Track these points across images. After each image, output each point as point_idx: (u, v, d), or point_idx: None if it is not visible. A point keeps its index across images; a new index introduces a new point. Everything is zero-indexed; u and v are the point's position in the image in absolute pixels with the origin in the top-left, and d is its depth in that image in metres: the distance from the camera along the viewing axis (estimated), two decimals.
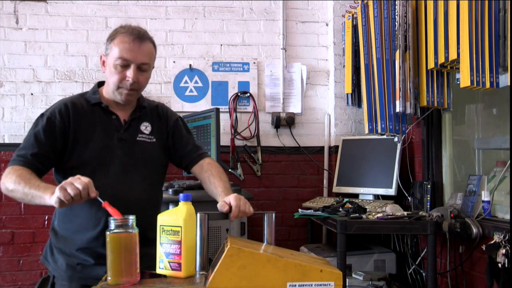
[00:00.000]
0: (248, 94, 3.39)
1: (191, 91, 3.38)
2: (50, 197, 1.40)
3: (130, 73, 1.65)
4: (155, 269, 1.33)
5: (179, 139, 1.85)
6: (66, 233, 1.70)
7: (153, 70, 1.81)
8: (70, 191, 1.35)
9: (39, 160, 1.62)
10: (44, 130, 1.64)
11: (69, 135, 1.65)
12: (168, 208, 2.37)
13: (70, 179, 1.39)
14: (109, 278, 1.25)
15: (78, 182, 1.37)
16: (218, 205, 1.54)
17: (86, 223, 1.65)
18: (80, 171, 1.51)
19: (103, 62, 1.73)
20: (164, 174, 1.89)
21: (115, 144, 1.70)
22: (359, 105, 3.12)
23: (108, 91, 1.74)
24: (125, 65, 1.64)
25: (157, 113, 1.84)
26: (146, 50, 1.68)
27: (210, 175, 1.73)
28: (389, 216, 2.35)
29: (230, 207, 1.50)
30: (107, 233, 1.26)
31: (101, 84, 1.80)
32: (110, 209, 1.37)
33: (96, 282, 1.60)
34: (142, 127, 1.78)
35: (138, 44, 1.65)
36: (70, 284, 1.67)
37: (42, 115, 1.68)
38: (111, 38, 1.68)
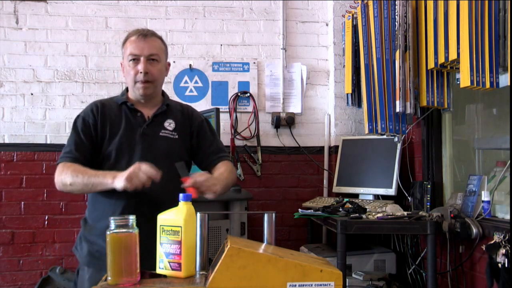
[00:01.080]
0: (248, 94, 3.39)
1: (191, 91, 3.38)
2: (113, 181, 1.63)
3: (140, 65, 1.81)
4: (155, 269, 1.33)
5: (203, 140, 1.94)
6: (91, 221, 1.86)
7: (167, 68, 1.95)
8: (136, 181, 1.59)
9: (84, 155, 1.80)
10: (82, 129, 1.83)
11: (98, 130, 1.83)
12: None
13: (133, 169, 1.60)
14: (109, 278, 1.25)
15: (141, 173, 1.59)
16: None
17: (106, 211, 1.76)
18: (105, 162, 1.81)
19: (123, 68, 1.90)
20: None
21: (137, 138, 1.83)
22: (359, 105, 3.12)
23: (130, 92, 1.91)
24: (135, 60, 1.82)
25: (182, 112, 1.96)
26: (152, 43, 1.84)
27: (216, 169, 1.84)
28: (389, 216, 2.35)
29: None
30: (107, 233, 1.26)
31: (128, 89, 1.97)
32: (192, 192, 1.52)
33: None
34: (166, 124, 1.89)
35: (143, 39, 1.83)
36: (89, 269, 1.79)
37: (78, 116, 1.88)
38: (123, 43, 1.89)
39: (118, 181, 1.61)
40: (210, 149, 1.93)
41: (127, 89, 1.95)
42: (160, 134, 1.86)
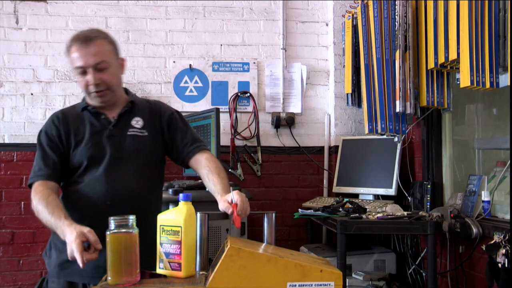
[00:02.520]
0: (248, 94, 3.39)
1: (191, 91, 3.38)
2: (63, 236, 1.47)
3: (89, 77, 1.68)
4: (155, 269, 1.33)
5: (175, 133, 1.83)
6: None
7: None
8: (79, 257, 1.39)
9: (54, 168, 1.71)
10: (47, 144, 1.74)
11: (63, 141, 1.74)
12: (168, 208, 2.36)
13: (71, 245, 1.40)
14: (109, 278, 1.25)
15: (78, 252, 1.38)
16: (221, 206, 1.48)
17: (75, 215, 1.65)
18: (76, 171, 1.72)
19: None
20: (160, 168, 1.87)
21: (104, 141, 1.73)
22: (359, 105, 3.12)
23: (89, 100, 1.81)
24: (82, 72, 1.68)
25: (150, 108, 1.85)
26: (95, 50, 1.67)
27: (208, 171, 1.69)
28: (389, 216, 2.35)
29: (235, 204, 1.45)
30: (107, 233, 1.26)
31: None
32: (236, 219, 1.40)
33: (81, 278, 1.64)
34: (133, 122, 1.79)
35: (85, 47, 1.66)
36: (58, 280, 1.72)
37: (40, 131, 1.79)
38: (66, 51, 1.72)
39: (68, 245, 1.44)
40: (184, 141, 1.81)
41: None
42: (128, 133, 1.76)
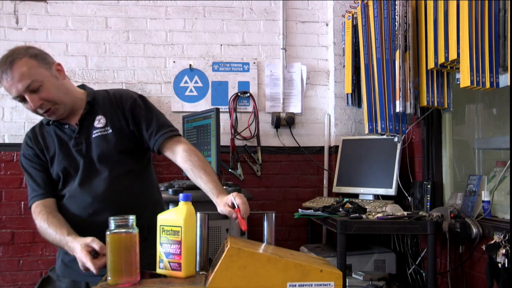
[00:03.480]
0: (248, 94, 3.39)
1: (191, 91, 3.38)
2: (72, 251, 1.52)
3: (29, 104, 1.59)
4: (154, 269, 1.33)
5: (139, 122, 1.72)
6: None
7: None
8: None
9: (47, 185, 1.71)
10: (30, 165, 1.72)
11: (41, 158, 1.72)
12: (168, 208, 2.37)
13: (80, 259, 1.45)
14: (109, 278, 1.25)
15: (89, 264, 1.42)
16: (223, 211, 1.45)
17: (73, 218, 1.68)
18: (57, 186, 1.71)
19: None
20: (140, 160, 1.77)
21: (73, 150, 1.69)
22: (359, 105, 3.12)
23: None
24: (22, 100, 1.59)
25: (111, 101, 1.74)
26: (20, 74, 1.54)
27: (193, 166, 1.60)
28: (389, 216, 2.35)
29: (238, 209, 1.42)
30: (107, 233, 1.26)
31: None
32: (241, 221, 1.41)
33: (84, 277, 1.64)
34: (96, 122, 1.70)
35: (10, 74, 1.54)
36: (64, 280, 1.75)
37: (20, 155, 1.77)
38: None
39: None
40: (149, 130, 1.70)
41: None
42: (93, 136, 1.69)
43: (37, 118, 1.75)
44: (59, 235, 1.56)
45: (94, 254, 1.42)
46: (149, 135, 1.71)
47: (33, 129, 1.78)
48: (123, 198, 1.69)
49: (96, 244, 1.43)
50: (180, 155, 1.65)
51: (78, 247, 1.45)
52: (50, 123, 1.72)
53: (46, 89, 1.59)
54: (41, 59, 1.62)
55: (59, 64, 1.69)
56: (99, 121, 1.70)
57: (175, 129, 1.74)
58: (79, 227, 1.61)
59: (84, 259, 1.42)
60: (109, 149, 1.68)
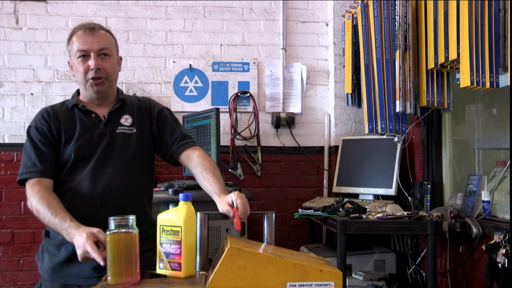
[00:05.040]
0: (248, 94, 3.39)
1: (191, 91, 3.38)
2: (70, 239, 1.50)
3: (91, 61, 1.68)
4: (154, 269, 1.33)
5: (163, 128, 1.82)
6: (51, 231, 1.73)
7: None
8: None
9: (49, 165, 1.69)
10: (38, 139, 1.71)
11: (55, 136, 1.72)
12: (168, 208, 2.37)
13: (83, 247, 1.42)
14: (109, 278, 1.25)
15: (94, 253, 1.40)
16: (222, 209, 1.47)
17: (78, 205, 1.67)
18: (63, 168, 1.69)
19: (71, 67, 1.77)
20: (150, 165, 1.85)
21: (95, 139, 1.72)
22: (359, 105, 3.12)
23: (82, 92, 1.79)
24: (85, 56, 1.69)
25: (139, 105, 1.84)
26: (101, 37, 1.72)
27: (203, 169, 1.66)
28: (389, 216, 2.35)
29: (236, 208, 1.43)
30: (107, 233, 1.26)
31: (80, 92, 1.84)
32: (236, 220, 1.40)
33: (76, 279, 1.64)
34: (122, 120, 1.78)
35: (91, 33, 1.70)
36: (52, 284, 1.72)
37: (30, 127, 1.75)
38: (68, 39, 1.75)
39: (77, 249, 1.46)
40: (173, 137, 1.79)
41: (78, 92, 1.83)
42: (117, 131, 1.75)
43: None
44: (59, 219, 1.53)
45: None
46: (171, 142, 1.79)
47: (53, 107, 1.79)
48: (129, 197, 1.73)
49: (102, 236, 1.41)
50: (193, 160, 1.72)
51: (84, 235, 1.42)
52: (79, 106, 1.75)
53: (109, 62, 1.72)
54: (116, 43, 1.81)
55: (121, 58, 1.86)
56: (126, 120, 1.78)
57: (194, 140, 1.86)
58: (81, 212, 1.60)
59: (89, 248, 1.39)
60: (130, 148, 1.75)
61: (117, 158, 1.72)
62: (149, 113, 1.83)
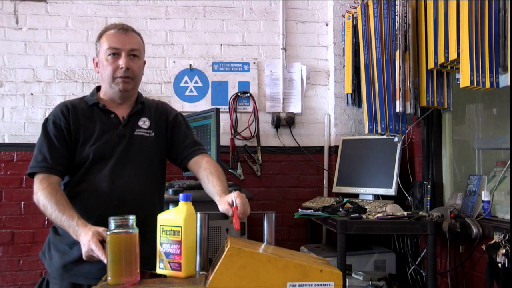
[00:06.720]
0: (248, 94, 3.39)
1: (191, 91, 3.38)
2: (76, 237, 1.50)
3: (121, 60, 1.71)
4: (154, 269, 1.33)
5: (177, 133, 1.85)
6: (62, 229, 1.69)
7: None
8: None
9: (59, 162, 1.68)
10: (54, 134, 1.70)
11: (72, 134, 1.72)
12: (168, 208, 2.36)
13: (88, 245, 1.42)
14: (109, 278, 1.25)
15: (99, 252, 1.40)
16: (221, 208, 1.47)
17: (94, 205, 1.68)
18: (80, 168, 1.69)
19: (96, 64, 1.81)
20: (163, 169, 1.89)
21: (114, 140, 1.74)
22: (359, 105, 3.12)
23: (105, 90, 1.80)
24: (115, 54, 1.72)
25: (156, 108, 1.88)
26: (132, 39, 1.76)
27: (209, 173, 1.70)
28: (389, 216, 2.35)
29: (235, 207, 1.44)
30: (107, 233, 1.26)
31: (99, 88, 1.85)
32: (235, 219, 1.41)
33: (86, 279, 1.63)
34: (140, 122, 1.81)
35: (124, 34, 1.74)
36: (62, 283, 1.70)
37: (47, 119, 1.75)
38: (99, 37, 1.78)
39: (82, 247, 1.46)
40: (185, 142, 1.83)
41: (97, 89, 1.84)
42: (136, 133, 1.77)
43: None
44: (66, 217, 1.53)
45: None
46: (183, 148, 1.83)
47: (72, 102, 1.78)
48: (145, 199, 1.75)
49: None
50: (202, 165, 1.76)
51: (90, 234, 1.42)
52: (99, 106, 1.76)
53: (137, 64, 1.76)
54: (144, 47, 1.85)
55: (145, 62, 1.87)
56: (144, 123, 1.81)
57: (205, 148, 1.90)
58: (97, 214, 1.59)
59: (93, 246, 1.39)
60: (148, 150, 1.78)
61: (135, 160, 1.74)
62: (166, 117, 1.87)
